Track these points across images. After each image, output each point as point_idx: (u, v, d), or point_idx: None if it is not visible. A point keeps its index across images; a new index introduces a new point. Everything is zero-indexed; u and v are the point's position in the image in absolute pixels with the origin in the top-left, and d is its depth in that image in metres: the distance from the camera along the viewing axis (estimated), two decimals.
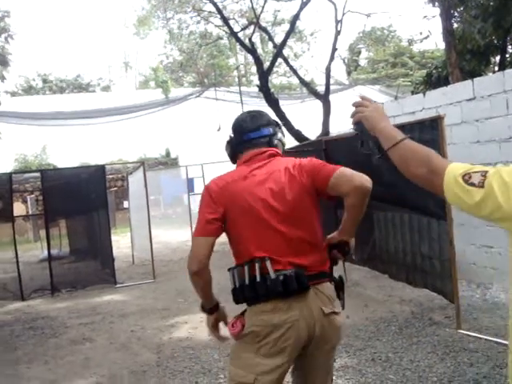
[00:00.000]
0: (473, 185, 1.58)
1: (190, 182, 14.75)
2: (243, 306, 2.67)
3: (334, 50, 14.42)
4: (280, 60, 16.22)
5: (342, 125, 13.85)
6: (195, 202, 17.33)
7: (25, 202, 22.78)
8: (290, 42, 28.52)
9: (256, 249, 2.52)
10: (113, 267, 9.87)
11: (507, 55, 14.78)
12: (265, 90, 13.35)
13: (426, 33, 20.52)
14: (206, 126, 26.80)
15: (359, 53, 43.76)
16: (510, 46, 14.63)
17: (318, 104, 14.11)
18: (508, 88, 6.67)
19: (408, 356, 4.96)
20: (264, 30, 16.45)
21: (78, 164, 18.88)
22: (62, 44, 73.92)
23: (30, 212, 21.40)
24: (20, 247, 11.12)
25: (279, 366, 2.44)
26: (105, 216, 9.91)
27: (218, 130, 27.33)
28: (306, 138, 12.61)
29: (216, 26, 19.55)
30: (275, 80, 35.84)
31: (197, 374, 5.08)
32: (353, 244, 2.67)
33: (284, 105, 15.39)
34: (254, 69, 21.07)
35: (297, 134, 13.13)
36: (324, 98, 13.66)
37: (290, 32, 15.12)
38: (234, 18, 19.05)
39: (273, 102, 13.29)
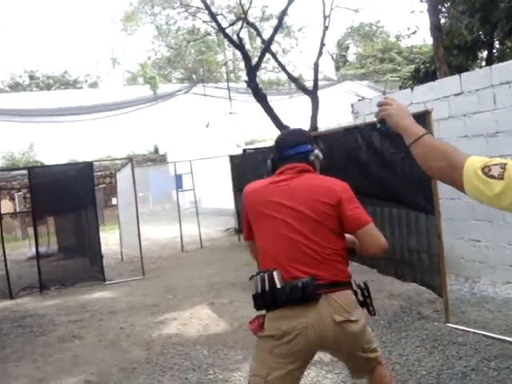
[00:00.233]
0: (492, 177, 1.63)
1: (178, 179, 14.69)
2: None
3: (322, 45, 14.42)
4: (268, 56, 16.21)
5: (330, 120, 13.90)
6: (184, 198, 17.34)
7: (12, 199, 22.69)
8: (278, 37, 28.52)
9: (268, 258, 2.76)
10: (101, 264, 9.84)
11: (494, 50, 14.84)
12: (253, 85, 13.33)
13: (414, 28, 20.59)
14: (195, 122, 26.73)
15: (347, 48, 43.87)
16: (497, 42, 14.69)
17: (306, 99, 14.10)
18: (495, 83, 6.69)
19: (397, 350, 4.97)
20: (252, 25, 16.42)
21: (66, 161, 18.73)
22: (49, 40, 73.23)
23: (18, 209, 21.31)
24: (8, 245, 11.07)
25: (290, 366, 2.64)
26: (93, 213, 9.87)
27: (207, 126, 27.27)
28: None
29: (204, 21, 19.52)
30: (264, 76, 35.82)
31: (186, 370, 5.08)
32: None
33: (272, 100, 15.40)
34: (242, 64, 21.11)
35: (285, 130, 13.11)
36: (312, 94, 13.66)
37: (278, 27, 15.09)
38: (221, 14, 18.99)
39: (261, 98, 13.27)
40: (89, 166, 10.15)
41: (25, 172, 12.79)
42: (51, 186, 9.83)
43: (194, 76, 37.46)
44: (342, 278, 2.71)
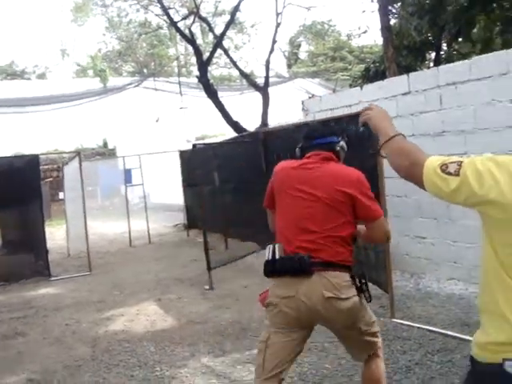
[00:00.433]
0: (449, 174, 1.77)
1: (127, 173, 14.52)
2: None
3: (274, 42, 14.50)
4: (220, 51, 16.20)
5: (281, 117, 13.97)
6: (132, 193, 17.14)
7: None
8: (230, 33, 28.49)
9: (280, 230, 3.09)
10: (47, 260, 9.64)
11: (442, 52, 15.17)
12: (204, 80, 13.30)
13: (365, 28, 20.88)
14: (145, 117, 26.47)
15: (299, 46, 44.09)
16: (444, 44, 15.01)
17: (257, 96, 14.15)
18: (442, 83, 6.83)
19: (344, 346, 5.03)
20: (204, 20, 16.37)
21: (12, 154, 18.26)
22: None
23: None
24: None
25: (287, 334, 2.93)
26: (38, 207, 9.66)
27: (157, 120, 27.03)
28: (245, 129, 12.64)
29: (156, 14, 19.34)
30: (216, 71, 35.69)
31: (132, 367, 5.02)
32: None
33: (223, 96, 15.38)
34: (194, 59, 21.08)
35: (235, 125, 13.15)
36: (263, 90, 13.71)
37: (230, 23, 15.10)
38: (174, 8, 18.83)
39: (212, 93, 13.26)
40: (35, 158, 9.93)
41: None
42: None
43: (145, 70, 37.06)
44: (340, 260, 2.92)
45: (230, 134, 15.05)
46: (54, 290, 8.63)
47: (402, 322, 5.49)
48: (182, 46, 36.92)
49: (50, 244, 10.22)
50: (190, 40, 14.22)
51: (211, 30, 16.10)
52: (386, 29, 11.61)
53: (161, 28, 25.13)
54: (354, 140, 6.29)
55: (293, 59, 41.87)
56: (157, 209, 17.99)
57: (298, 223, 2.98)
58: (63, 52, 46.36)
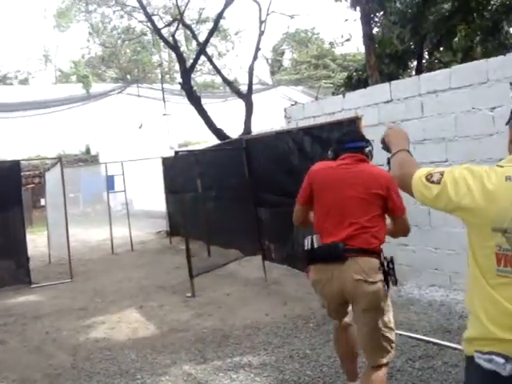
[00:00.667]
0: (433, 182, 1.99)
1: (110, 180, 14.44)
2: None
3: (258, 49, 14.54)
4: (204, 58, 16.20)
5: (264, 124, 13.99)
6: (115, 200, 17.04)
7: None
8: (214, 40, 28.46)
9: (319, 222, 3.57)
10: (27, 267, 9.53)
11: (424, 60, 15.31)
12: (187, 87, 13.30)
13: (347, 36, 20.99)
14: (128, 123, 26.37)
15: (283, 53, 44.26)
16: (426, 52, 15.15)
17: (240, 103, 14.17)
18: (423, 92, 6.89)
19: (325, 352, 5.03)
20: (188, 27, 16.38)
21: None
22: None
23: None
24: None
25: (331, 302, 3.61)
26: (19, 214, 9.55)
27: (140, 127, 26.94)
28: (228, 137, 12.65)
29: (139, 21, 19.31)
30: (199, 78, 35.71)
31: (113, 375, 4.98)
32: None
33: (207, 103, 15.37)
34: (177, 66, 21.00)
35: (218, 132, 13.16)
36: (246, 98, 13.73)
37: (214, 30, 15.11)
38: (158, 14, 18.84)
39: (195, 100, 13.27)
40: (16, 164, 9.84)
41: None
42: None
43: (128, 76, 36.95)
44: (371, 247, 3.38)
45: (212, 141, 15.04)
46: (34, 298, 8.54)
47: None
48: (166, 53, 36.91)
49: (31, 251, 10.10)
50: (174, 47, 14.22)
51: (195, 37, 16.13)
52: (368, 37, 11.69)
53: (144, 34, 25.11)
54: None
55: (276, 67, 42.04)
56: (139, 216, 17.90)
57: (337, 216, 3.43)
58: (46, 58, 46.12)
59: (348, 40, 18.36)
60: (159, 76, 34.94)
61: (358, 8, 11.65)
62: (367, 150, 3.68)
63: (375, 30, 15.02)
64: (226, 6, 14.08)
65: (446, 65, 13.15)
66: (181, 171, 10.04)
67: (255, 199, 8.32)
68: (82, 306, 7.67)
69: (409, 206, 3.52)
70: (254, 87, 15.80)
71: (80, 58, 36.55)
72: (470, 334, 1.97)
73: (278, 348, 5.28)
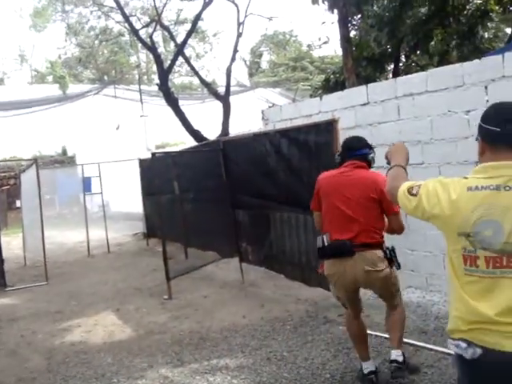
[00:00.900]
0: (412, 195, 2.31)
1: (86, 181, 14.31)
2: None
3: (236, 51, 14.55)
4: (182, 59, 16.16)
5: (242, 126, 14.00)
6: (92, 202, 16.90)
7: None
8: (192, 42, 28.40)
9: (327, 223, 4.15)
10: (2, 269, 9.44)
11: (400, 64, 15.43)
12: (164, 89, 13.27)
13: (325, 39, 21.11)
14: (105, 125, 26.20)
15: (261, 55, 44.30)
16: (403, 55, 15.28)
17: (218, 105, 14.16)
18: (399, 94, 6.93)
19: (302, 354, 5.05)
20: (166, 28, 16.32)
21: None
22: None
23: None
24: None
25: (345, 292, 4.20)
26: None
27: (117, 128, 26.78)
28: (205, 138, 12.63)
29: (117, 22, 19.20)
30: (177, 80, 35.60)
31: (89, 379, 4.95)
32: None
33: (184, 105, 15.35)
34: (155, 67, 20.88)
35: (195, 134, 13.13)
36: (224, 99, 13.72)
37: (192, 31, 15.10)
38: (135, 15, 18.74)
39: (172, 102, 13.23)
40: None
41: None
42: None
43: (105, 77, 36.70)
44: (373, 241, 3.98)
45: (190, 142, 15.01)
46: (9, 301, 8.45)
47: None
48: (144, 54, 36.74)
49: (5, 253, 10.01)
50: (151, 48, 14.17)
51: (172, 38, 16.08)
52: (345, 40, 11.75)
53: (122, 35, 24.95)
54: (314, 150, 6.37)
55: (254, 68, 42.08)
56: (116, 218, 17.77)
57: (343, 217, 3.99)
58: (22, 58, 45.59)
59: (326, 43, 18.52)
60: (137, 77, 34.75)
61: (335, 11, 11.71)
62: (370, 156, 4.17)
63: (353, 33, 15.11)
64: (204, 7, 14.08)
65: (423, 68, 13.30)
66: (158, 173, 9.98)
67: (232, 201, 8.32)
68: (57, 309, 7.60)
69: None
70: (232, 89, 15.80)
71: (57, 59, 36.22)
72: (447, 327, 2.29)
73: (256, 350, 5.28)
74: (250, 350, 5.31)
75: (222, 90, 15.43)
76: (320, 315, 6.17)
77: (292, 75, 35.09)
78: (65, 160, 27.07)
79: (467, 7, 13.62)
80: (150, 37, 14.55)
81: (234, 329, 6.00)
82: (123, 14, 14.69)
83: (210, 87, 15.38)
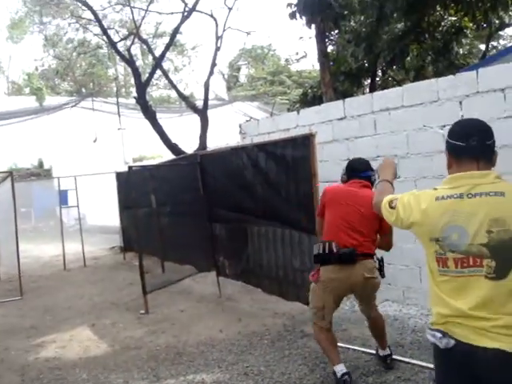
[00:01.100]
0: (392, 208, 2.59)
1: (63, 195, 14.19)
2: None
3: (214, 65, 14.56)
4: (160, 73, 16.14)
5: (220, 139, 13.99)
6: (69, 215, 16.74)
7: None
8: (170, 55, 28.44)
9: (330, 233, 4.42)
10: None
11: (377, 78, 15.60)
12: (142, 102, 13.23)
13: (303, 53, 21.23)
14: (82, 137, 26.04)
15: (239, 69, 44.45)
16: (379, 70, 15.44)
17: (196, 118, 14.14)
18: (376, 109, 6.99)
19: (280, 369, 5.03)
20: (144, 41, 16.31)
21: None
22: None
23: None
24: None
25: (336, 298, 4.48)
26: None
27: (94, 141, 26.63)
28: (183, 152, 12.60)
29: (95, 34, 19.12)
30: (155, 93, 35.55)
31: None
32: None
33: (162, 118, 15.31)
34: (133, 80, 20.73)
35: (173, 148, 13.10)
36: (202, 113, 13.72)
37: (170, 45, 15.09)
38: (114, 28, 18.70)
39: (150, 115, 13.19)
40: None
41: None
42: None
43: (83, 89, 36.52)
44: (370, 251, 4.41)
45: (168, 156, 14.96)
46: None
47: (338, 344, 5.53)
48: (122, 67, 36.65)
49: None
50: (129, 61, 14.14)
51: (150, 51, 16.06)
52: (323, 55, 11.84)
53: (100, 48, 24.85)
54: (291, 163, 6.38)
55: (232, 82, 42.20)
56: (93, 231, 17.64)
57: (348, 226, 4.34)
58: None
59: (303, 57, 18.62)
60: (114, 90, 34.63)
61: (313, 26, 11.79)
62: (373, 178, 4.47)
63: (330, 48, 15.26)
64: (183, 20, 14.09)
65: (399, 83, 13.43)
66: (135, 186, 9.93)
67: (210, 215, 8.30)
68: (31, 325, 7.49)
69: None
70: (210, 102, 15.82)
71: (34, 70, 35.97)
72: (430, 321, 2.53)
73: (233, 365, 5.24)
74: (227, 364, 5.27)
75: (200, 103, 15.42)
76: (297, 329, 6.16)
77: (270, 89, 35.23)
78: (41, 173, 26.83)
79: (442, 24, 13.86)
80: (128, 50, 14.51)
81: (210, 343, 5.96)
82: (101, 27, 14.64)
83: (187, 101, 15.37)
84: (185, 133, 18.22)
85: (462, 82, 6.01)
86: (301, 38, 15.63)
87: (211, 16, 14.45)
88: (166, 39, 18.36)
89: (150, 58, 22.09)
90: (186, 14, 14.11)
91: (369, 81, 15.56)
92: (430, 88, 6.32)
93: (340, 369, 4.44)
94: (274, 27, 63.18)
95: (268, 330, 6.21)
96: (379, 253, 4.58)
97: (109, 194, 14.97)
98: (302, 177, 5.88)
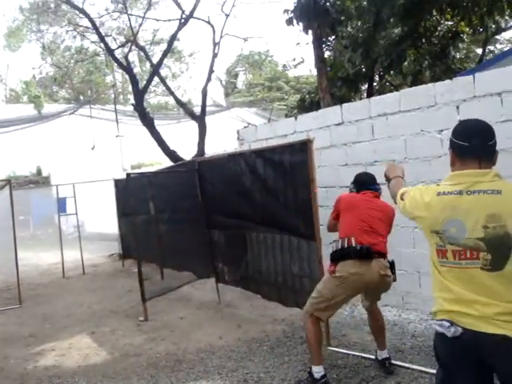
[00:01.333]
0: (403, 200, 2.83)
1: (61, 202, 14.17)
2: None
3: (211, 71, 14.58)
4: (158, 79, 16.16)
5: (218, 145, 14.00)
6: (67, 223, 16.72)
7: None
8: (168, 61, 28.47)
9: (347, 231, 4.67)
10: None
11: (375, 83, 15.62)
12: (140, 109, 13.24)
13: (300, 59, 21.28)
14: (80, 145, 26.04)
15: (237, 75, 44.51)
16: (377, 75, 15.47)
17: (194, 125, 14.15)
18: (373, 114, 7.01)
19: (279, 375, 5.02)
20: (141, 48, 16.33)
21: None
22: None
23: None
24: None
25: (347, 295, 4.65)
26: None
27: (92, 148, 26.63)
28: (181, 158, 12.61)
29: (92, 42, 19.15)
30: (153, 99, 35.57)
31: None
32: None
33: (160, 125, 15.31)
34: (131, 87, 20.73)
35: (171, 154, 13.11)
36: (200, 119, 13.73)
37: (167, 52, 15.12)
38: (111, 35, 18.72)
39: (147, 122, 13.21)
40: None
41: None
42: None
43: (81, 97, 36.54)
44: (385, 251, 4.66)
45: (166, 162, 14.97)
46: None
47: (337, 349, 5.53)
48: (119, 74, 36.68)
49: None
50: (126, 68, 14.15)
51: (148, 58, 16.09)
52: (320, 60, 11.86)
53: (97, 55, 24.88)
54: (289, 169, 6.38)
55: (230, 88, 42.24)
56: (91, 238, 17.61)
57: (366, 227, 4.62)
58: None
59: (301, 63, 18.65)
60: (112, 97, 34.62)
61: (310, 32, 11.82)
62: (380, 191, 4.93)
63: (327, 54, 15.29)
64: (180, 27, 14.12)
65: (397, 88, 13.48)
66: (133, 193, 9.91)
67: (208, 221, 8.29)
68: (30, 333, 7.46)
69: None
70: (208, 109, 15.84)
71: (31, 78, 35.99)
72: (432, 310, 2.68)
73: (232, 372, 5.24)
74: (227, 371, 5.27)
75: (197, 109, 15.42)
76: (297, 335, 6.15)
77: (267, 95, 35.28)
78: (39, 180, 26.82)
79: (439, 28, 13.91)
80: (126, 57, 14.54)
81: (210, 350, 5.95)
82: (99, 34, 14.66)
83: (185, 107, 15.38)
84: (183, 139, 18.23)
85: (459, 87, 6.03)
86: (298, 43, 15.69)
87: (208, 23, 14.49)
88: (164, 46, 18.39)
89: (148, 64, 22.18)
90: (183, 20, 14.15)
91: (366, 86, 15.58)
92: (427, 93, 6.34)
93: (319, 370, 4.56)
94: (271, 33, 63.30)
95: (267, 337, 6.21)
96: (390, 256, 4.75)
97: (107, 201, 14.95)
98: (300, 182, 5.87)
